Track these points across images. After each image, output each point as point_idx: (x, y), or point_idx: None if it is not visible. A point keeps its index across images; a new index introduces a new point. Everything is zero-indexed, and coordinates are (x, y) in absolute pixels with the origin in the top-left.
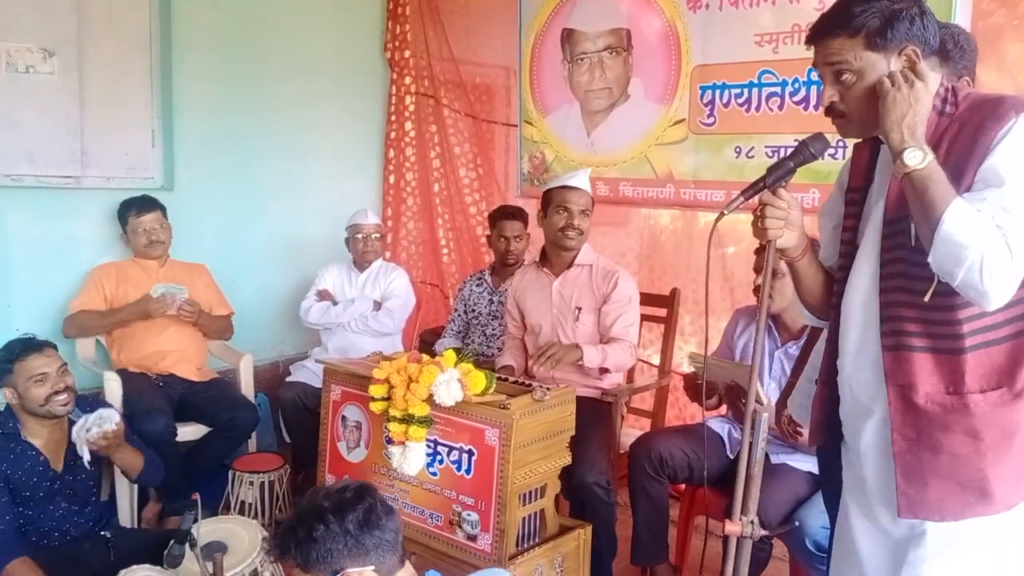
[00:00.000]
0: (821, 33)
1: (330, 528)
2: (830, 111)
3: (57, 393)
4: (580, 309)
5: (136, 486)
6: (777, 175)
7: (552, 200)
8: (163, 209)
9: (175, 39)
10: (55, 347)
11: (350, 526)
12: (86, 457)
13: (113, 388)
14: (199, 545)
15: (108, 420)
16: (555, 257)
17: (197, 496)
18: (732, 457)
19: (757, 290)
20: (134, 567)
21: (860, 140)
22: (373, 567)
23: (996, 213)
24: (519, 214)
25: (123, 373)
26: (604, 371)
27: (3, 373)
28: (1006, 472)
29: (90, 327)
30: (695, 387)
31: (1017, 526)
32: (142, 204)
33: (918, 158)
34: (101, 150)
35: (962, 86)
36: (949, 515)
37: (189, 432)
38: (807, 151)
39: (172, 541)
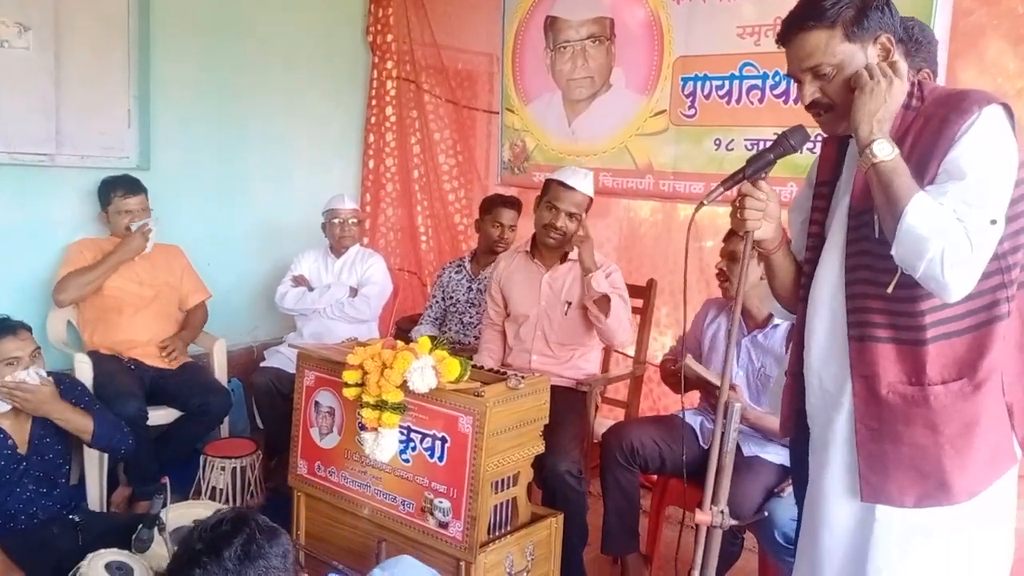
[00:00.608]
0: (795, 28)
1: (208, 571)
2: (814, 106)
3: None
4: (570, 304)
5: (104, 469)
6: (757, 166)
7: (547, 193)
8: (146, 192)
9: (154, 17)
10: (30, 330)
11: (229, 564)
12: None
13: (84, 370)
14: (168, 530)
15: (34, 375)
16: (546, 250)
17: (167, 480)
18: (705, 448)
19: (720, 274)
20: (102, 551)
21: (828, 135)
22: None
23: (957, 206)
24: (515, 203)
25: (94, 355)
26: (606, 303)
27: None
28: (966, 464)
29: (83, 283)
30: (672, 375)
31: (979, 516)
32: (128, 186)
33: (886, 150)
34: (76, 128)
35: (927, 80)
36: (910, 502)
37: (161, 416)
38: (787, 143)
39: (141, 525)
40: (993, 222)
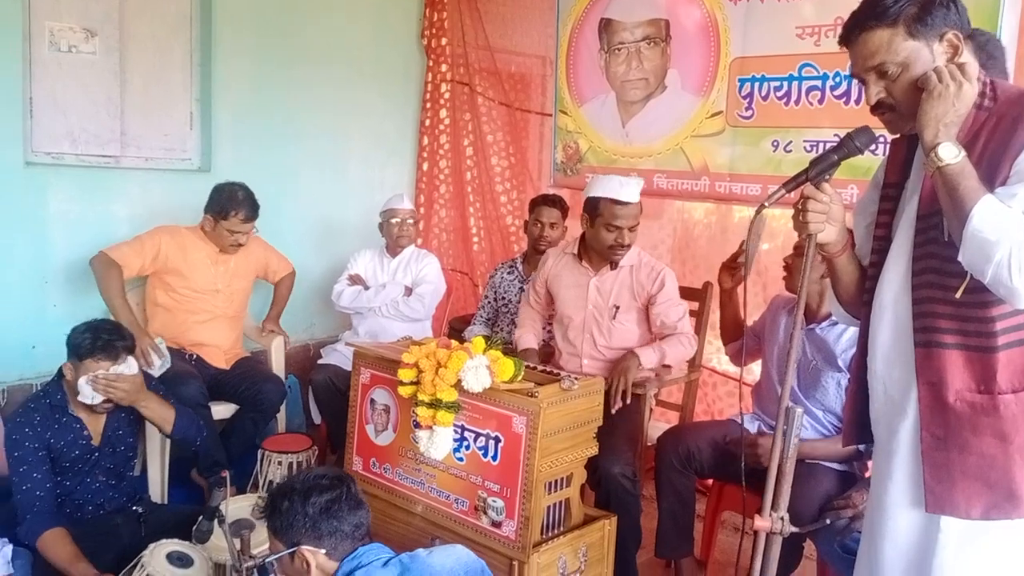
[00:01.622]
0: (857, 29)
1: (293, 506)
2: (879, 107)
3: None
4: (618, 308)
5: (166, 462)
6: (820, 168)
7: (601, 214)
8: (257, 214)
9: (215, 21)
10: (127, 349)
11: (311, 509)
12: (87, 399)
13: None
14: (227, 522)
15: (126, 367)
16: (597, 258)
17: (227, 473)
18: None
19: (786, 267)
20: (163, 541)
21: (898, 136)
22: (326, 551)
23: None
24: (558, 202)
25: None
26: (666, 367)
27: (74, 352)
28: None
29: (103, 286)
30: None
31: None
32: (249, 210)
33: (952, 153)
34: (140, 130)
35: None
36: (976, 513)
37: (220, 411)
38: (852, 144)
39: (201, 517)
40: None
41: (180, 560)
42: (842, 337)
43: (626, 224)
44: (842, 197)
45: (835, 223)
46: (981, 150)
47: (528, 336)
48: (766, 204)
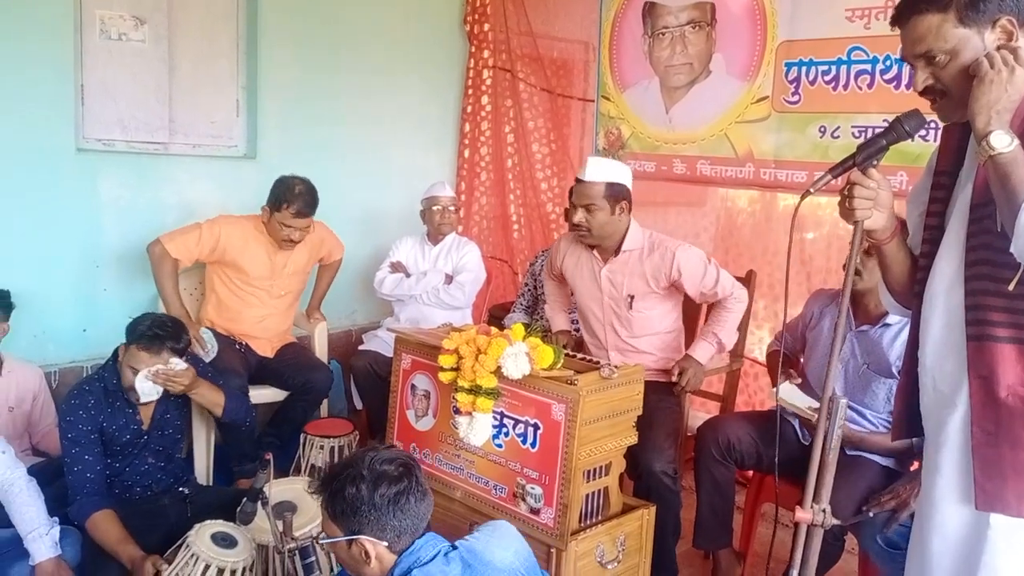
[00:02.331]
0: (908, 12)
1: (360, 494)
2: (927, 93)
3: (133, 389)
4: (633, 298)
5: (212, 445)
6: (868, 153)
7: (572, 193)
8: (315, 210)
9: (260, 8)
10: (171, 350)
11: (378, 499)
12: (147, 394)
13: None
14: (270, 504)
15: (175, 363)
16: (603, 245)
17: (270, 457)
18: (805, 444)
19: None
20: (208, 522)
21: (951, 122)
22: (387, 543)
23: None
24: None
25: (207, 331)
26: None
27: (126, 333)
28: None
29: (156, 274)
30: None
31: None
32: (303, 206)
33: (1004, 141)
34: (188, 118)
35: None
36: None
37: (267, 395)
38: (901, 128)
39: (245, 499)
40: None
41: (224, 540)
42: (896, 341)
43: (579, 202)
44: (890, 183)
45: (883, 209)
46: None
47: (560, 316)
48: (812, 190)
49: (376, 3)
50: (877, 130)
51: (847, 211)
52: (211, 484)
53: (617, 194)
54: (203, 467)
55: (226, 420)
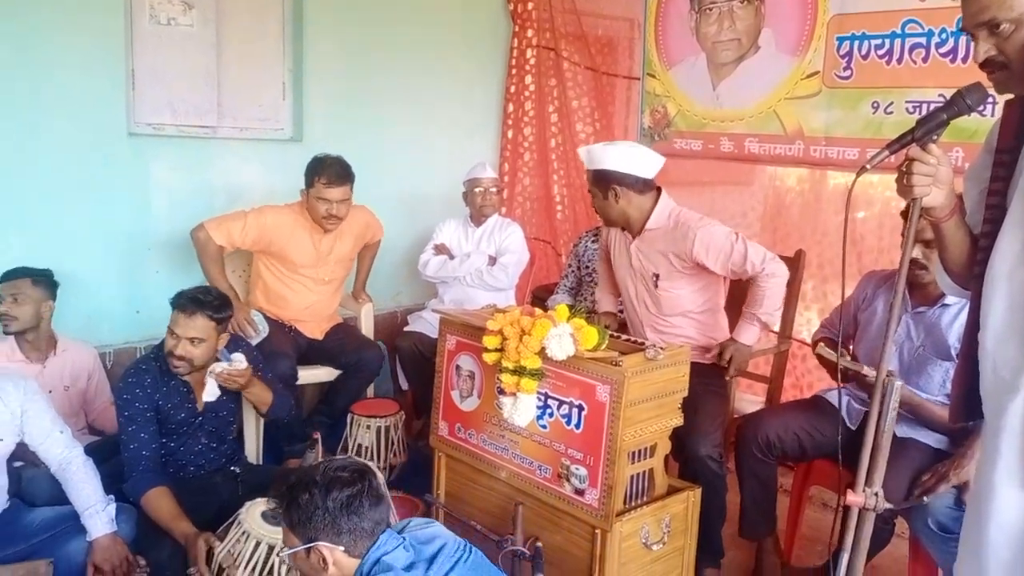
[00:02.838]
0: None
1: (313, 499)
2: (987, 65)
3: (172, 355)
4: (658, 276)
5: (261, 426)
6: (928, 127)
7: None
8: (352, 180)
9: None
10: (209, 317)
11: (331, 504)
12: (213, 394)
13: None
14: None
15: (238, 362)
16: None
17: (318, 436)
18: (852, 429)
19: (915, 263)
20: (258, 500)
21: (1012, 97)
22: (344, 548)
23: None
24: None
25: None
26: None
27: (171, 303)
28: None
29: (202, 260)
30: (825, 360)
31: None
32: (333, 174)
33: None
34: (236, 101)
35: None
36: None
37: (319, 375)
38: (962, 102)
39: (293, 477)
40: None
41: (274, 518)
42: (955, 322)
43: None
44: (950, 159)
45: (942, 186)
46: None
47: (607, 299)
48: (868, 167)
49: None
50: (933, 106)
51: (905, 188)
52: (261, 463)
53: (605, 180)
54: (253, 447)
55: (267, 416)
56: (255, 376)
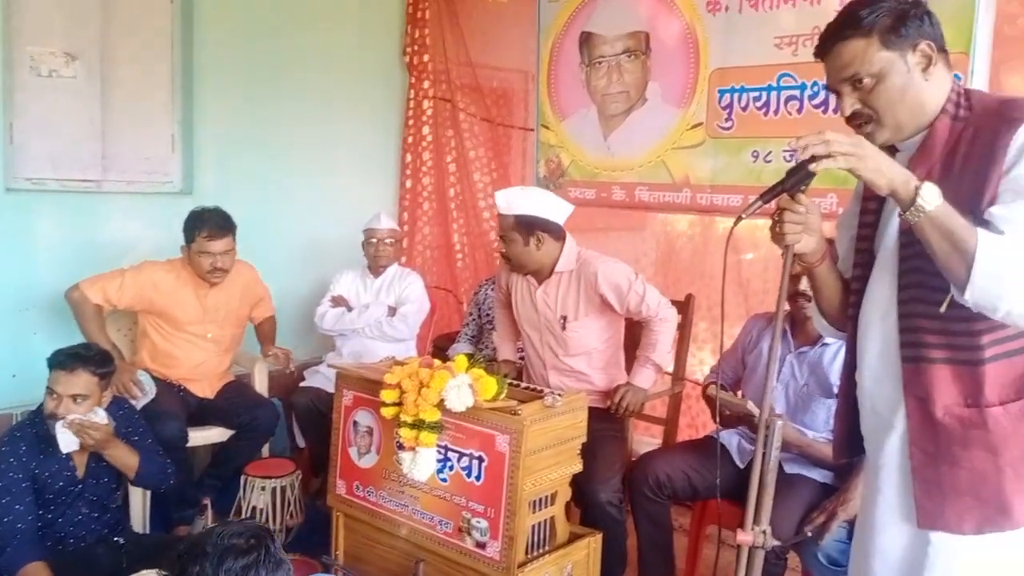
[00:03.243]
0: (833, 39)
1: (203, 572)
2: (855, 118)
3: (54, 416)
4: (565, 319)
5: (148, 492)
6: (796, 179)
7: None
8: (235, 231)
9: (196, 43)
10: (92, 372)
11: (221, 575)
12: (68, 444)
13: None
14: None
15: (94, 416)
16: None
17: (208, 502)
18: (742, 468)
19: (793, 297)
20: (144, 572)
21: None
22: None
23: None
24: None
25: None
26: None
27: (48, 362)
28: None
29: (79, 321)
30: (711, 400)
31: None
32: (215, 227)
33: (935, 194)
34: (122, 154)
35: (975, 89)
36: (969, 528)
37: (210, 436)
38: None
39: (182, 546)
40: None
41: None
42: (836, 360)
43: (499, 232)
44: (819, 207)
45: (812, 233)
46: (962, 163)
47: (506, 347)
48: (743, 216)
49: (314, 35)
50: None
51: (777, 235)
52: (147, 532)
53: (529, 225)
54: (139, 514)
55: (139, 484)
56: (118, 438)
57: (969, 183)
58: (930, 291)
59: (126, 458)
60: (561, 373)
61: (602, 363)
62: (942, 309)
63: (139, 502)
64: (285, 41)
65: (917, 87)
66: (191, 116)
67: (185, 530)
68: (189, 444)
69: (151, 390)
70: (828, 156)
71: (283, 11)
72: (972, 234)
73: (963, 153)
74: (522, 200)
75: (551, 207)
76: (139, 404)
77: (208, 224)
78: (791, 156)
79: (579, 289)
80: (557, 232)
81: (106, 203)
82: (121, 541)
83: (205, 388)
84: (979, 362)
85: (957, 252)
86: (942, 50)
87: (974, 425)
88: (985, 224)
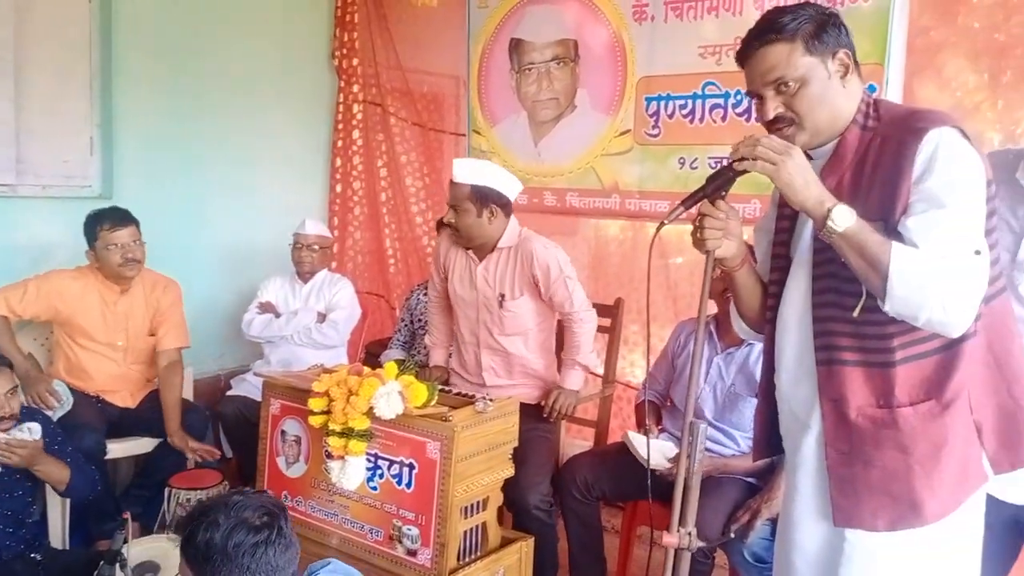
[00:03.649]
0: (755, 44)
1: (213, 540)
2: (777, 123)
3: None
4: (503, 296)
5: (67, 506)
6: (716, 185)
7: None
8: (138, 224)
9: (116, 44)
10: (11, 367)
11: (231, 549)
12: None
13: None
14: (130, 565)
15: (28, 432)
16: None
17: (128, 515)
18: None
19: (722, 294)
20: None
21: None
22: None
23: (940, 246)
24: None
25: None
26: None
27: None
28: (935, 484)
29: None
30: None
31: (949, 536)
32: (116, 217)
33: (846, 214)
34: (38, 157)
35: (884, 99)
36: (882, 526)
37: (136, 446)
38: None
39: (102, 562)
40: (977, 252)
41: None
42: (762, 359)
43: (450, 202)
44: (739, 212)
45: (732, 238)
46: (872, 172)
47: (438, 352)
48: (666, 222)
49: (240, 39)
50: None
51: (698, 241)
52: (67, 548)
53: (484, 197)
54: (58, 530)
55: (67, 495)
56: (46, 453)
57: (879, 193)
58: (843, 296)
59: (57, 473)
60: (494, 354)
61: (537, 344)
62: (855, 314)
63: (58, 516)
64: (208, 42)
65: (835, 93)
66: (111, 119)
67: (106, 544)
68: (112, 456)
69: (67, 401)
70: (752, 159)
71: (206, 12)
72: (886, 250)
73: (872, 162)
74: (480, 171)
75: (506, 182)
76: (55, 415)
77: (108, 217)
78: (716, 164)
79: (516, 267)
80: (507, 207)
81: (21, 208)
82: (38, 558)
83: (126, 398)
84: (890, 364)
85: (872, 268)
86: (855, 61)
87: (885, 425)
88: (899, 234)
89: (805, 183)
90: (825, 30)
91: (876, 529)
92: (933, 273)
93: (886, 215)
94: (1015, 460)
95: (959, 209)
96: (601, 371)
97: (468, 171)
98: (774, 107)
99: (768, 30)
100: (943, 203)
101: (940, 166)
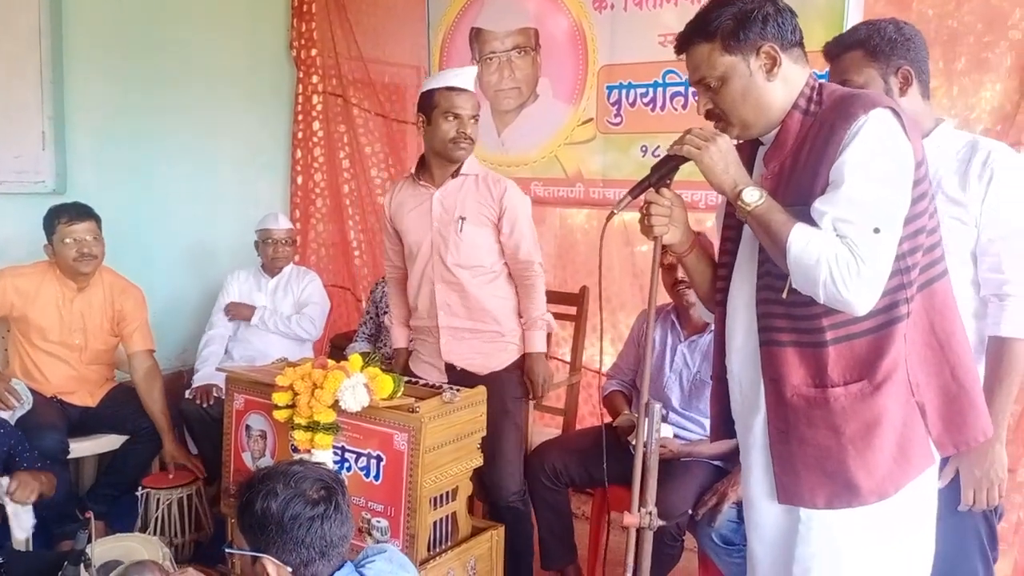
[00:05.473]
0: (684, 43)
1: (269, 511)
2: (710, 116)
3: None
4: (464, 219)
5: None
6: (661, 173)
7: (438, 104)
8: (98, 220)
9: (67, 35)
10: None
11: (287, 521)
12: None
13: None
14: (94, 565)
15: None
16: (438, 168)
17: (91, 515)
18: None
19: (673, 287)
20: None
21: (740, 141)
22: (292, 569)
23: (837, 223)
24: None
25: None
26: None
27: None
28: (870, 464)
29: None
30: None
31: (898, 516)
32: (74, 211)
33: (755, 196)
34: None
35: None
36: (821, 503)
37: (102, 444)
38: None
39: (66, 563)
40: (876, 231)
41: None
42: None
43: (466, 112)
44: (683, 199)
45: (678, 225)
46: (807, 156)
47: (400, 332)
48: (615, 210)
49: (197, 30)
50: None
51: (646, 228)
52: (29, 549)
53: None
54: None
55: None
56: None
57: (809, 176)
58: (776, 279)
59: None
60: (449, 288)
61: (491, 285)
62: (784, 295)
63: None
64: (164, 32)
65: (759, 89)
66: (63, 111)
67: (69, 545)
68: (77, 455)
69: (27, 400)
70: (680, 145)
71: (162, 2)
72: (788, 229)
73: (808, 148)
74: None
75: None
76: (15, 415)
77: (67, 211)
78: None
79: (480, 195)
80: None
81: None
82: (0, 560)
83: (85, 397)
84: (822, 344)
85: (775, 246)
86: (795, 46)
87: (817, 404)
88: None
89: (725, 168)
90: (745, 26)
91: (816, 506)
92: (826, 250)
93: (811, 198)
94: (958, 441)
95: (860, 187)
96: (568, 357)
97: (471, 78)
98: (704, 103)
99: (693, 31)
100: (844, 181)
101: (854, 145)
